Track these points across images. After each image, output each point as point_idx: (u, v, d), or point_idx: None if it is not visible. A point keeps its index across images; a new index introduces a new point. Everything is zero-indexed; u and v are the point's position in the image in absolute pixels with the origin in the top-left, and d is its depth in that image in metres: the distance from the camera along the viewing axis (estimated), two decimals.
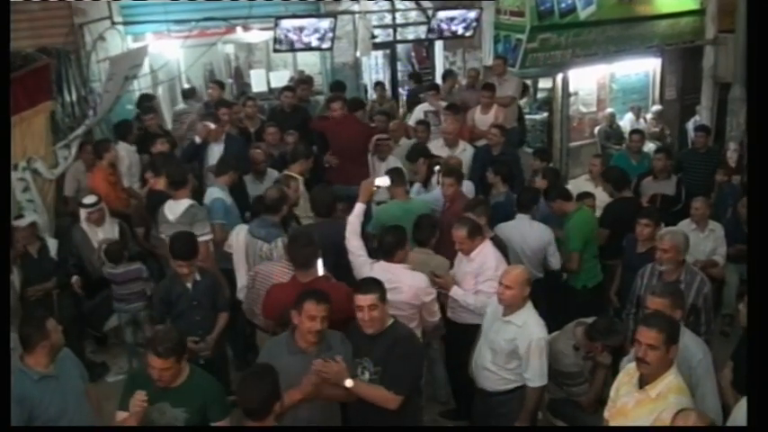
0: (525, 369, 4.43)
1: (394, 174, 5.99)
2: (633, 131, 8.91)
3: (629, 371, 3.82)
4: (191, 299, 5.06)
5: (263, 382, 3.41)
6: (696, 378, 3.89)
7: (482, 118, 8.77)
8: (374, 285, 4.02)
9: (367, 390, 3.93)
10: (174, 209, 5.85)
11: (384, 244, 4.84)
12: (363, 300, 3.94)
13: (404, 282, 4.70)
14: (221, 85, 9.42)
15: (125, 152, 7.44)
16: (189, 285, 5.06)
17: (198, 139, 7.35)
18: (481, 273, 5.04)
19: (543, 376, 4.43)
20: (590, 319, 4.84)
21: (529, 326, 4.40)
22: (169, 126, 9.27)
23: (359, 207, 5.16)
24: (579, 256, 6.03)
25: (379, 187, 5.34)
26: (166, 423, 3.82)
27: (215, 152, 7.33)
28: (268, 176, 7.09)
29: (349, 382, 3.84)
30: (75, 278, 6.23)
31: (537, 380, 4.43)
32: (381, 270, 4.71)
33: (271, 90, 11.14)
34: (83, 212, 6.36)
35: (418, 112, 9.09)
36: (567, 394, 4.92)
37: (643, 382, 3.62)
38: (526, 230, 5.94)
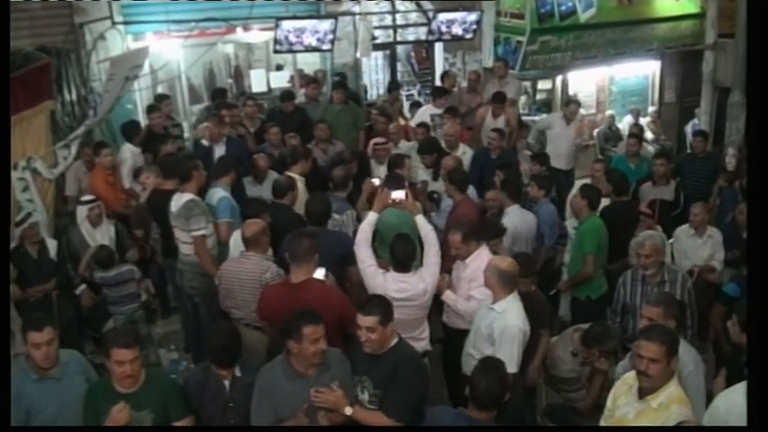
0: (496, 353, 4.42)
1: (392, 180, 5.99)
2: (630, 135, 8.90)
3: (626, 380, 3.82)
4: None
5: (496, 377, 3.57)
6: (685, 390, 3.88)
7: (492, 122, 8.81)
8: (377, 307, 3.92)
9: (367, 416, 3.90)
10: (177, 201, 5.90)
11: (399, 254, 4.78)
12: (362, 321, 3.89)
13: (418, 288, 4.76)
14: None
15: (129, 153, 7.42)
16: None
17: (205, 142, 7.37)
18: (475, 279, 5.03)
19: (513, 363, 4.44)
20: (587, 325, 4.86)
21: (507, 313, 4.50)
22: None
23: (372, 216, 5.10)
24: (594, 260, 5.96)
25: (395, 200, 5.22)
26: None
27: (216, 154, 7.34)
28: (268, 178, 7.10)
29: (348, 410, 3.82)
30: (82, 287, 6.27)
31: (507, 366, 4.38)
32: (393, 280, 4.74)
33: (270, 90, 11.13)
34: (83, 210, 6.38)
35: (423, 114, 9.09)
36: (564, 400, 4.94)
37: (643, 393, 3.63)
38: (517, 218, 6.13)
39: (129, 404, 3.79)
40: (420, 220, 5.13)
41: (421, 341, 4.94)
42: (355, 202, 6.51)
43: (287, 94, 9.02)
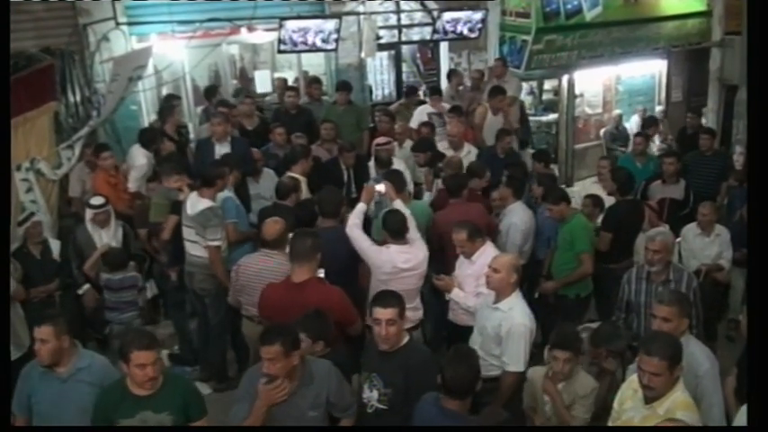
0: (504, 352, 4.45)
1: (393, 177, 6.07)
2: (636, 134, 8.82)
3: (632, 383, 3.77)
4: None
5: (467, 365, 3.50)
6: (702, 388, 3.85)
7: (492, 119, 8.77)
8: (394, 299, 3.93)
9: None
10: (194, 205, 5.85)
11: (392, 224, 5.12)
12: (382, 313, 3.84)
13: (419, 256, 5.12)
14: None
15: (146, 159, 7.31)
16: None
17: (214, 139, 7.37)
18: (481, 275, 4.97)
19: (520, 362, 4.43)
20: (595, 325, 4.81)
21: (513, 311, 4.47)
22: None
23: (360, 206, 5.43)
24: (590, 257, 5.88)
25: (380, 192, 5.62)
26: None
27: (220, 153, 7.34)
28: (264, 176, 7.09)
29: None
30: (86, 287, 6.20)
31: (513, 364, 4.44)
32: (398, 252, 5.06)
33: (274, 90, 11.11)
34: (89, 213, 6.33)
35: (421, 114, 9.07)
36: None
37: (649, 399, 3.58)
38: (525, 215, 6.25)
39: (147, 409, 3.74)
40: (398, 204, 5.56)
41: (418, 311, 5.26)
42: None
43: (290, 88, 9.04)
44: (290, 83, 10.17)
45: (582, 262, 5.88)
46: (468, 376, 3.47)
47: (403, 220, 5.17)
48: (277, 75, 10.57)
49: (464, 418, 3.53)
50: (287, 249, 5.01)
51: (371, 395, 3.98)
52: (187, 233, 5.96)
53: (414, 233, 5.28)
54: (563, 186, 9.28)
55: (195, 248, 5.91)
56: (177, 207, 6.18)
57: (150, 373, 3.70)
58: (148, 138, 7.51)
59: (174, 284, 6.34)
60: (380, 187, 5.69)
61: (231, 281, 5.40)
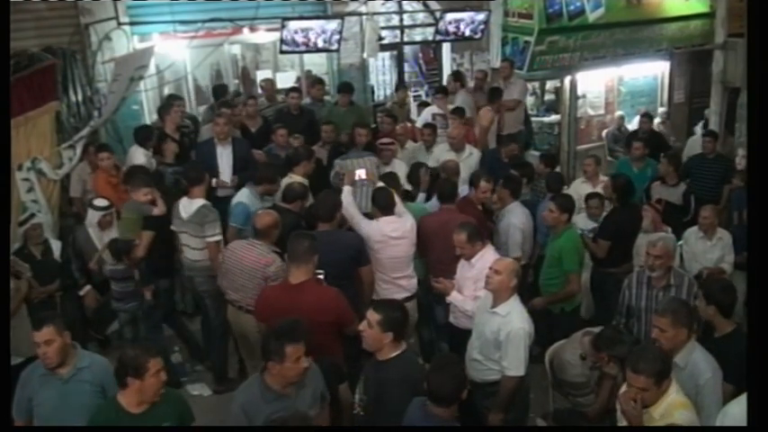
0: (503, 357, 4.45)
1: (387, 179, 6.17)
2: (635, 139, 8.74)
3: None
4: None
5: (452, 374, 3.51)
6: (702, 398, 3.83)
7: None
8: (384, 309, 3.92)
9: None
10: (188, 207, 5.89)
11: (381, 200, 5.55)
12: (368, 314, 3.92)
13: (407, 225, 5.57)
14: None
15: (145, 158, 7.25)
16: None
17: (217, 140, 7.37)
18: (480, 278, 4.96)
19: (520, 366, 4.43)
20: (597, 329, 4.81)
21: (511, 316, 4.47)
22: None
23: (347, 188, 5.93)
24: (578, 277, 5.83)
25: (360, 177, 6.15)
26: None
27: (222, 154, 7.34)
28: None
29: None
30: (87, 288, 6.16)
31: (513, 369, 4.44)
32: (386, 223, 5.51)
33: (277, 90, 11.08)
34: (95, 215, 6.26)
35: (426, 114, 9.06)
36: (573, 405, 4.88)
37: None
38: (523, 216, 6.28)
39: (141, 424, 3.69)
40: (380, 185, 5.98)
41: (412, 279, 5.66)
42: None
43: (293, 89, 9.03)
44: (292, 83, 10.14)
45: (569, 282, 5.79)
46: (452, 385, 3.48)
47: (390, 195, 5.60)
48: (264, 77, 10.52)
49: (446, 422, 3.54)
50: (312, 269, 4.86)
51: (356, 399, 4.04)
52: (183, 238, 5.97)
53: (401, 207, 5.69)
54: (565, 188, 9.26)
55: (194, 253, 5.92)
56: (151, 222, 6.06)
57: (163, 377, 3.71)
58: (144, 136, 7.46)
59: (149, 303, 6.02)
60: (361, 172, 6.14)
61: (219, 263, 5.52)
